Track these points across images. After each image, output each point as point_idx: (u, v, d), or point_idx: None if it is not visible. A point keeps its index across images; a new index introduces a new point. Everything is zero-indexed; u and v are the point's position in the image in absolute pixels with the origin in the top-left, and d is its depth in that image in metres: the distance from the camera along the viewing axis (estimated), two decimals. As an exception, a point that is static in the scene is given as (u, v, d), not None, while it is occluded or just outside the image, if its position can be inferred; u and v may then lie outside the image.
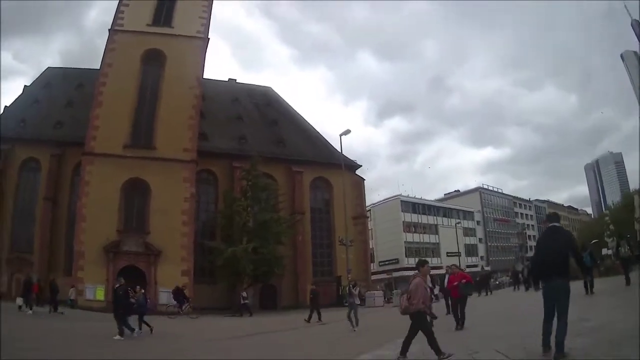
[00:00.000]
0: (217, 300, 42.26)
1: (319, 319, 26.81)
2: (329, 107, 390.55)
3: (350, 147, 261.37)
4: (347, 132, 44.33)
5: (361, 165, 62.79)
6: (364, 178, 62.82)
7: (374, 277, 79.01)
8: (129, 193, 42.68)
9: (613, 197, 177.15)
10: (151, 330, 20.87)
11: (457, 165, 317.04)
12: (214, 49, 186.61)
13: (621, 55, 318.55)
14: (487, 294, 42.41)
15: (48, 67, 60.74)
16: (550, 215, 9.55)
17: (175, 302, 37.49)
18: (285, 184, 54.53)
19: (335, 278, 52.25)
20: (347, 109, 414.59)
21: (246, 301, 38.64)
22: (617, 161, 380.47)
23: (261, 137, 58.03)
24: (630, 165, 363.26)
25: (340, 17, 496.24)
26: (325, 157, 58.47)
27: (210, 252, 44.84)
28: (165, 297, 39.28)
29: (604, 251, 53.40)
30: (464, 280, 17.03)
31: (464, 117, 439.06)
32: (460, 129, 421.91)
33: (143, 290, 22.89)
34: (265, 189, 48.04)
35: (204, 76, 51.23)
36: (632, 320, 10.82)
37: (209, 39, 49.99)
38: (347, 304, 21.39)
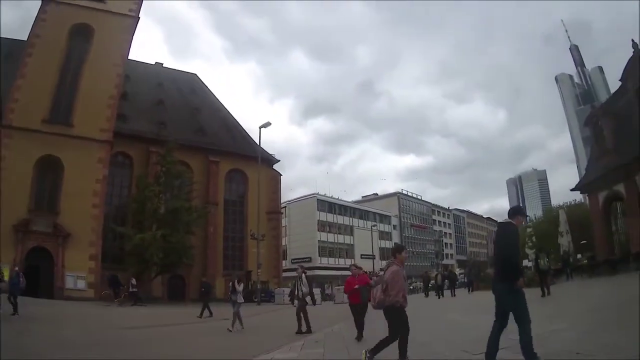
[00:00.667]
0: (125, 288, 41.23)
1: (210, 314, 26.90)
2: (254, 102, 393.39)
3: (271, 144, 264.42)
4: (267, 124, 45.90)
5: (279, 160, 64.77)
6: (281, 173, 64.78)
7: (285, 275, 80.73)
8: (43, 170, 42.26)
9: (534, 212, 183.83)
10: (14, 311, 21.11)
11: (378, 170, 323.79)
12: (146, 31, 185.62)
13: (555, 78, 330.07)
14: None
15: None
16: (510, 210, 8.74)
17: (111, 289, 38.56)
18: (200, 173, 55.40)
19: (246, 272, 53.03)
20: (273, 106, 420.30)
21: (134, 289, 39.09)
22: (541, 178, 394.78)
23: (181, 123, 58.83)
24: (553, 183, 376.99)
25: (277, 14, 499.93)
26: (244, 149, 60.01)
27: (120, 237, 45.26)
28: (71, 281, 40.11)
29: (525, 262, 56.48)
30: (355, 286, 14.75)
31: (389, 123, 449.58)
32: (384, 134, 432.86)
33: (17, 268, 23.29)
34: (179, 176, 48.52)
35: (132, 57, 51.83)
36: (563, 333, 11.10)
37: (139, 18, 50.42)
38: (230, 302, 19.68)
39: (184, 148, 52.12)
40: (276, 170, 64.07)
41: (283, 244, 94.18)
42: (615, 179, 35.20)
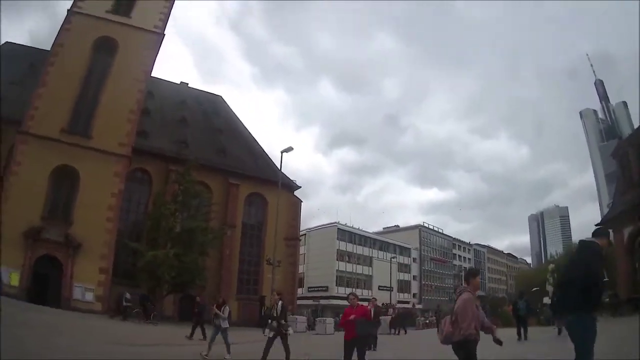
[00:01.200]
0: (136, 304, 40.57)
1: (203, 336, 25.66)
2: (281, 129, 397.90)
3: (296, 172, 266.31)
4: (289, 149, 44.89)
5: (300, 187, 63.54)
6: (302, 200, 63.55)
7: (301, 302, 79.86)
8: (59, 180, 41.64)
9: (554, 249, 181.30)
10: None
11: (401, 202, 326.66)
12: (176, 54, 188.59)
13: (580, 113, 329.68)
14: (397, 333, 40.08)
15: (6, 42, 57.20)
16: (596, 229, 7.94)
17: (141, 308, 37.77)
18: (220, 194, 54.30)
19: (259, 298, 52.34)
20: (299, 134, 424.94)
21: (128, 304, 38.13)
22: (563, 215, 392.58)
23: (203, 144, 58.06)
24: (575, 220, 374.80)
25: (307, 43, 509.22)
26: (265, 173, 58.82)
27: (133, 253, 44.17)
28: (79, 292, 39.23)
29: (545, 300, 54.86)
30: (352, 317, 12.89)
31: (414, 156, 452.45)
32: (408, 167, 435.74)
33: None
34: (197, 195, 47.46)
35: (157, 75, 51.57)
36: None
37: (164, 35, 50.26)
38: (213, 326, 18.61)
39: (204, 168, 51.21)
40: (297, 197, 62.89)
41: (301, 271, 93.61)
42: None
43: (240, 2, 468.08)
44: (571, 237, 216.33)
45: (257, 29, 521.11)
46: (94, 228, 40.99)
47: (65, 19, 45.94)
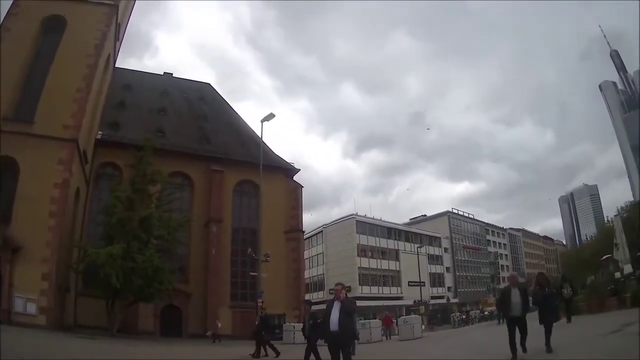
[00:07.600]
0: (97, 317, 35.84)
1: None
2: (308, 139, 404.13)
3: (328, 179, 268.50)
4: (270, 116, 39.41)
5: (299, 170, 57.98)
6: (302, 185, 57.67)
7: (321, 307, 74.63)
8: (-2, 174, 36.12)
9: (587, 229, 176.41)
10: None
11: (432, 199, 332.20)
12: (201, 76, 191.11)
13: (599, 86, 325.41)
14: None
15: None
16: None
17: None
18: (202, 184, 49.58)
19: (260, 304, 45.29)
20: (327, 142, 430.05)
21: None
22: (592, 193, 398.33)
23: (183, 131, 53.40)
24: (605, 197, 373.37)
25: (324, 51, 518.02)
26: (256, 158, 50.43)
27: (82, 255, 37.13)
28: (20, 304, 32.63)
29: (617, 274, 49.69)
30: None
31: (442, 152, 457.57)
32: (437, 163, 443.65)
33: None
34: (154, 179, 39.57)
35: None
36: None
37: (117, 5, 45.76)
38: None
39: (183, 156, 48.37)
40: (296, 182, 57.11)
41: (320, 272, 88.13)
42: None
43: (254, 17, 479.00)
44: (603, 215, 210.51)
45: (272, 42, 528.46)
46: (36, 226, 34.48)
47: (12, 3, 41.42)
